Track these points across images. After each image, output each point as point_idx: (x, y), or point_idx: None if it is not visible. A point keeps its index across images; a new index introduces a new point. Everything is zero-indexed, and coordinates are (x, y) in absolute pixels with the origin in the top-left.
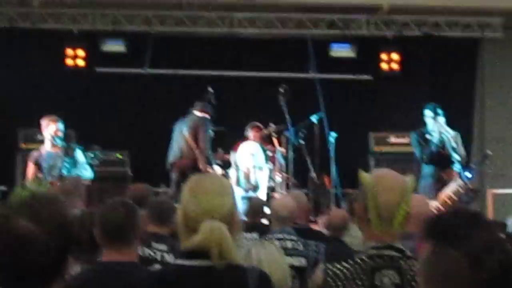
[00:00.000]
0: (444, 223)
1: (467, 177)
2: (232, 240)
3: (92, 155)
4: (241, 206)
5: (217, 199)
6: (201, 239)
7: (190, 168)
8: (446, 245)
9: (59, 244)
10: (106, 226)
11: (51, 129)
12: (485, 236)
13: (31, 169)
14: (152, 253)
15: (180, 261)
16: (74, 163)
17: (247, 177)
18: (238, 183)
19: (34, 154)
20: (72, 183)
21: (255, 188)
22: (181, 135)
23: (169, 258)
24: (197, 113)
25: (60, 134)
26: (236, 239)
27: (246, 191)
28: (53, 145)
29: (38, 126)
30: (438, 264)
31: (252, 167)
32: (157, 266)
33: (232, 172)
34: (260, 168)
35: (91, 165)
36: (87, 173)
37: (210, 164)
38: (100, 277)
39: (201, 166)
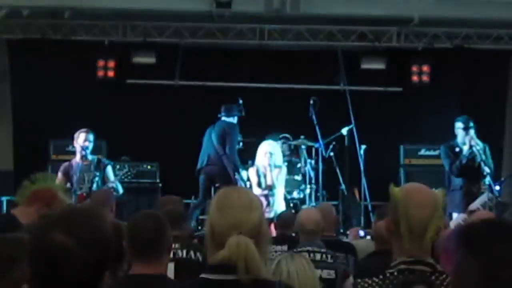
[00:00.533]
0: (471, 232)
1: (496, 191)
2: (259, 254)
3: (124, 171)
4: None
5: (244, 214)
6: (227, 254)
7: (217, 174)
8: (468, 254)
9: (96, 259)
10: (135, 239)
11: (80, 139)
12: (505, 248)
13: (59, 179)
14: None
15: (206, 275)
16: (103, 178)
17: (264, 176)
18: (258, 183)
19: (64, 164)
20: (103, 194)
21: (272, 187)
22: (209, 142)
23: (181, 253)
24: (225, 118)
25: (88, 144)
26: (264, 253)
27: (264, 189)
28: (83, 158)
29: (70, 138)
30: (460, 272)
31: (268, 165)
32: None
33: (251, 172)
34: (278, 167)
35: (121, 182)
36: (120, 189)
37: (238, 170)
38: None
39: (229, 171)
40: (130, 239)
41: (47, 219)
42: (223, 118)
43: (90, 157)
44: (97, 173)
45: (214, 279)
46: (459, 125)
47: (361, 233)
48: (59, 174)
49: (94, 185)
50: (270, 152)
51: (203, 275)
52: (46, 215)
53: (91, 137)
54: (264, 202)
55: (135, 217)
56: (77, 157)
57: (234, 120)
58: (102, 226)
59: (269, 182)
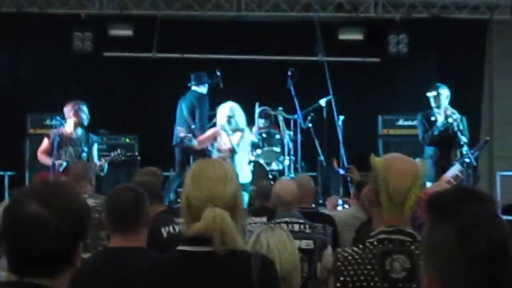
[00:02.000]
0: (440, 199)
1: (467, 162)
2: (234, 226)
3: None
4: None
5: (219, 186)
6: (203, 225)
7: (191, 149)
8: (439, 220)
9: (70, 230)
10: (113, 211)
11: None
12: (476, 211)
13: (45, 145)
14: None
15: (183, 247)
16: (89, 154)
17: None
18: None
19: (54, 132)
20: (81, 167)
21: (233, 151)
22: (181, 115)
23: None
24: (196, 88)
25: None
26: (240, 225)
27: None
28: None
29: (48, 111)
30: (431, 239)
31: (223, 131)
32: None
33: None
34: (240, 130)
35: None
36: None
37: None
38: (108, 263)
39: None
40: (108, 211)
41: (20, 191)
42: (193, 88)
43: (80, 130)
44: (85, 149)
45: (190, 251)
46: (429, 93)
47: (340, 202)
48: (46, 141)
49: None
50: (228, 116)
51: (179, 247)
52: (20, 188)
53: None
54: None
55: (114, 189)
56: (69, 129)
57: (204, 89)
58: (75, 198)
59: (228, 145)
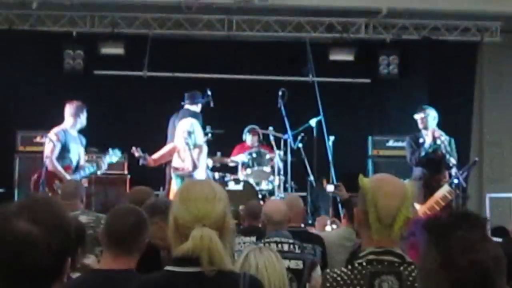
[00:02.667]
0: (434, 222)
1: (456, 183)
2: (222, 246)
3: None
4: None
5: (207, 206)
6: (191, 246)
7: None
8: (430, 242)
9: (60, 247)
10: (111, 231)
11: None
12: (464, 236)
13: (51, 147)
14: None
15: (171, 268)
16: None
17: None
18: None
19: (59, 130)
20: (73, 185)
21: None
22: (173, 132)
23: None
24: (189, 107)
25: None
26: (228, 245)
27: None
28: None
29: (39, 129)
30: (424, 261)
31: (186, 144)
32: None
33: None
34: (198, 146)
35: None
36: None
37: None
38: (96, 284)
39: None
40: (107, 229)
41: (8, 208)
42: (187, 107)
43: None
44: (82, 148)
45: (178, 272)
46: (417, 115)
47: (329, 222)
48: (53, 143)
49: (81, 161)
50: (188, 131)
51: (167, 268)
52: (8, 204)
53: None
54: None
55: (117, 209)
56: (74, 128)
57: (197, 108)
58: (64, 214)
59: (188, 161)
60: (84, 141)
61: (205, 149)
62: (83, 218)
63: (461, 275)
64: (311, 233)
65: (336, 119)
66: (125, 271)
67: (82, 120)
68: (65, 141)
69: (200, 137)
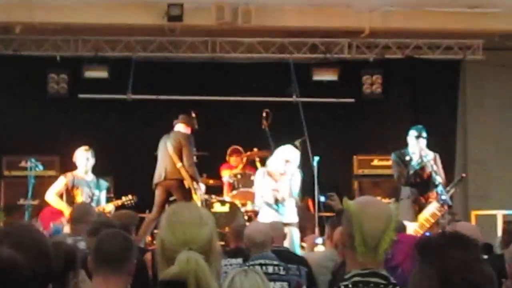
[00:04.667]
0: (427, 242)
1: (443, 200)
2: (209, 270)
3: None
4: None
5: (194, 229)
6: (177, 269)
7: (175, 188)
8: (424, 262)
9: (42, 272)
10: (100, 253)
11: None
12: (460, 256)
13: (61, 188)
14: None
15: None
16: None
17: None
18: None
19: (69, 176)
20: (82, 209)
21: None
22: (165, 153)
23: None
24: (181, 128)
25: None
26: (215, 268)
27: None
28: (86, 174)
29: (24, 153)
30: (418, 281)
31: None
32: None
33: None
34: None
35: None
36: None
37: (197, 181)
38: None
39: (186, 184)
40: (95, 252)
41: None
42: (178, 128)
43: (90, 175)
44: (96, 192)
45: None
46: (412, 133)
47: (319, 240)
48: (63, 180)
49: (93, 203)
50: (286, 160)
51: None
52: None
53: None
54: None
55: (104, 232)
56: (80, 172)
57: (188, 130)
58: (44, 240)
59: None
60: (104, 184)
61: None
62: (81, 245)
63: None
64: (294, 254)
65: (320, 139)
66: None
67: (78, 163)
68: (70, 184)
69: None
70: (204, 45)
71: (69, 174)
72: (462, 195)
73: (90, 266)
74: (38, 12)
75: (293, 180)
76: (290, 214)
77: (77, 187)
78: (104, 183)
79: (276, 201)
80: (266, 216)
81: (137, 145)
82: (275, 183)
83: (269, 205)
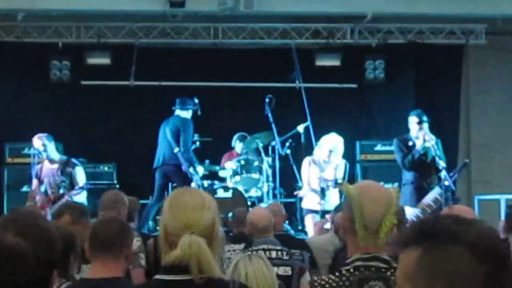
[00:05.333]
0: (432, 225)
1: (446, 186)
2: (211, 254)
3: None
4: None
5: (196, 214)
6: (179, 254)
7: (173, 173)
8: (444, 243)
9: (47, 259)
10: (97, 239)
11: (34, 144)
12: (478, 228)
13: (34, 184)
14: None
15: (160, 276)
16: (71, 181)
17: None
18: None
19: (36, 168)
20: (111, 197)
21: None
22: (164, 138)
23: None
24: (179, 112)
25: (43, 148)
26: (217, 252)
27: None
28: (50, 161)
29: (27, 140)
30: (441, 264)
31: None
32: None
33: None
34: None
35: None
36: (80, 198)
37: (194, 166)
38: None
39: (183, 168)
40: (93, 238)
41: None
42: (177, 113)
43: (57, 158)
44: (63, 178)
45: (168, 280)
46: (412, 119)
47: (327, 225)
48: (34, 179)
49: (61, 190)
50: (330, 150)
51: (157, 276)
52: None
53: (44, 140)
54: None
55: (99, 220)
56: (45, 161)
57: (188, 114)
58: (48, 226)
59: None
60: (74, 162)
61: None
62: None
63: (495, 265)
64: (297, 239)
65: (323, 124)
66: (114, 279)
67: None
68: (39, 177)
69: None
70: (207, 31)
71: (35, 171)
72: (465, 180)
73: (88, 252)
74: None
75: (338, 169)
76: (334, 201)
77: (42, 178)
78: (74, 161)
79: (322, 189)
80: (310, 203)
81: (140, 131)
82: (320, 172)
83: (315, 191)
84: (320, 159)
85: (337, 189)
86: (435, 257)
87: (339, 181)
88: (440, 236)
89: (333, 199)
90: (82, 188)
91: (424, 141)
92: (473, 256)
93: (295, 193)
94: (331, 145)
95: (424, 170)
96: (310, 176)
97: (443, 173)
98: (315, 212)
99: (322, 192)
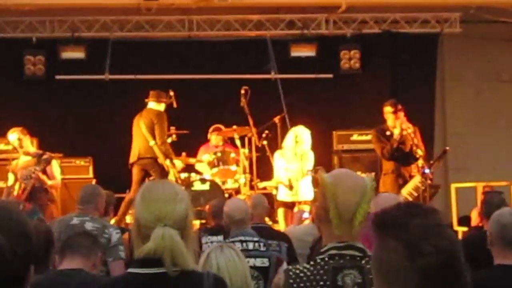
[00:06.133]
0: (385, 216)
1: (425, 173)
2: (185, 246)
3: None
4: None
5: (169, 206)
6: (153, 246)
7: (150, 166)
8: (387, 236)
9: (25, 253)
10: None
11: (11, 139)
12: (422, 224)
13: (10, 178)
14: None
15: (132, 269)
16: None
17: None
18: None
19: (13, 162)
20: (90, 190)
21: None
22: (139, 132)
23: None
24: (152, 106)
25: (18, 143)
26: (190, 245)
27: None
28: (25, 153)
29: (1, 136)
30: (381, 256)
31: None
32: None
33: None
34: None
35: None
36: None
37: (170, 158)
38: (56, 285)
39: (160, 161)
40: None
41: None
42: (150, 106)
43: (32, 151)
44: (37, 168)
45: (141, 273)
46: (387, 109)
47: (306, 215)
48: (10, 174)
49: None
50: (296, 142)
51: (130, 270)
52: None
53: (10, 137)
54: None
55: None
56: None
57: (161, 107)
58: (25, 220)
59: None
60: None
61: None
62: (88, 225)
63: (429, 261)
64: (274, 230)
65: (299, 115)
66: (82, 271)
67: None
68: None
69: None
70: (181, 23)
71: (11, 166)
72: (442, 168)
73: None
74: None
75: (306, 160)
76: (304, 192)
77: (16, 171)
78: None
79: (289, 181)
80: (281, 195)
81: (115, 126)
82: (287, 164)
83: (283, 183)
84: (287, 151)
85: (307, 180)
86: (380, 249)
87: (307, 172)
88: (386, 229)
89: (303, 190)
90: (45, 159)
91: (402, 129)
92: (406, 252)
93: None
94: (297, 137)
95: (403, 159)
96: (278, 168)
97: (420, 162)
98: (286, 203)
99: (290, 184)
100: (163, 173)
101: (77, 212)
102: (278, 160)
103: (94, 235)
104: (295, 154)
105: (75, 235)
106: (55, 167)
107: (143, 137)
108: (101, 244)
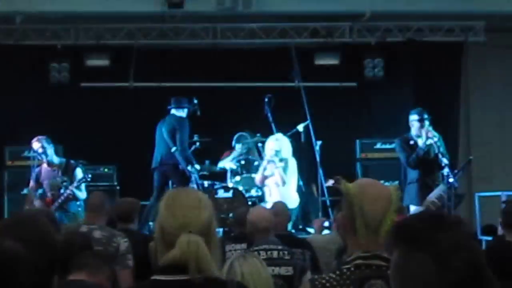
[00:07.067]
0: (409, 227)
1: (450, 182)
2: (209, 253)
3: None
4: None
5: (193, 213)
6: (178, 253)
7: (171, 173)
8: (413, 248)
9: (47, 265)
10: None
11: (34, 146)
12: (450, 236)
13: (31, 186)
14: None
15: (157, 276)
16: (71, 182)
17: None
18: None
19: (36, 171)
20: (99, 198)
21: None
22: (161, 138)
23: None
24: (175, 112)
25: (42, 150)
26: (214, 252)
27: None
28: (50, 164)
29: (28, 143)
30: (407, 268)
31: (272, 162)
32: None
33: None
34: (283, 160)
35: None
36: (81, 195)
37: (192, 164)
38: None
39: (181, 167)
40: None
41: None
42: (173, 112)
43: (56, 161)
44: (65, 178)
45: (165, 280)
46: (413, 117)
47: (327, 223)
48: (31, 182)
49: (62, 190)
50: (275, 150)
51: (154, 277)
52: None
53: (44, 142)
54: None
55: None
56: (44, 163)
57: (183, 113)
58: (48, 230)
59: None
60: (74, 164)
61: (292, 163)
62: (96, 233)
63: (459, 276)
64: (298, 238)
65: (323, 123)
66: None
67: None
68: (38, 179)
69: (285, 153)
70: (205, 31)
71: (34, 174)
72: (466, 177)
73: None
74: (38, 2)
75: (288, 168)
76: (286, 200)
77: (41, 181)
78: (73, 163)
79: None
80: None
81: (139, 133)
82: (266, 172)
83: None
84: (267, 159)
85: (288, 188)
86: (404, 261)
87: (287, 180)
88: (412, 242)
89: (284, 198)
90: (81, 179)
91: (427, 138)
92: (436, 265)
93: None
94: (276, 146)
95: (428, 167)
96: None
97: (446, 170)
98: None
99: (261, 191)
100: (183, 180)
101: (85, 220)
102: (262, 168)
103: (103, 255)
104: (274, 162)
105: (81, 254)
106: (79, 174)
107: (165, 143)
108: (110, 259)
